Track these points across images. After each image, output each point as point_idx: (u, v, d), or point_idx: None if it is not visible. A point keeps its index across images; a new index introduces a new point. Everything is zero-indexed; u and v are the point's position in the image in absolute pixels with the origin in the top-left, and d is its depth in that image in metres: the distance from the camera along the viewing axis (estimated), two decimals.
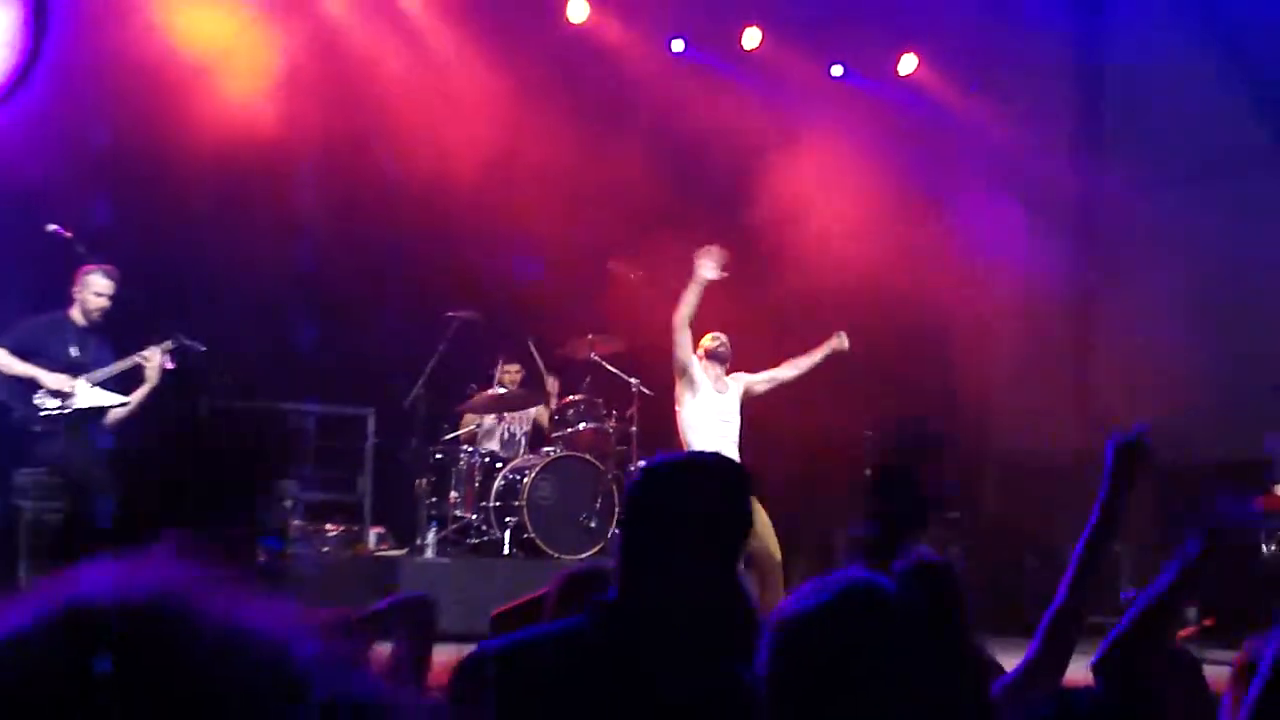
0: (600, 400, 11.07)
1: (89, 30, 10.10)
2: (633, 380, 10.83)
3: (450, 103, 11.25)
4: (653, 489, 2.99)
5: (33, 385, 8.76)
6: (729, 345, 9.76)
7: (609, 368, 11.02)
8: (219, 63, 10.78)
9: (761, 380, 9.93)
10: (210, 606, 0.95)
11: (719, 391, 9.68)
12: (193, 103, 10.61)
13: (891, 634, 2.16)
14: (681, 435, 9.63)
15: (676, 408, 9.67)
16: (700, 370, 9.61)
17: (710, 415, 9.64)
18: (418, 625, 4.03)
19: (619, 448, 10.95)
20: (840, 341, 10.05)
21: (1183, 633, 9.62)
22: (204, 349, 9.45)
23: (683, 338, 9.51)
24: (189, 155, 10.41)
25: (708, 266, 9.36)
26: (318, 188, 11.23)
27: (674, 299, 9.42)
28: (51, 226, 8.89)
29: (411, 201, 11.13)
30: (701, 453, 6.04)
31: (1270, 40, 11.64)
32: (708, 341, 9.73)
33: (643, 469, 3.14)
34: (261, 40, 11.00)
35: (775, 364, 10.04)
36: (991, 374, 12.79)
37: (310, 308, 11.19)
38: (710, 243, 9.46)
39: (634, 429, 10.82)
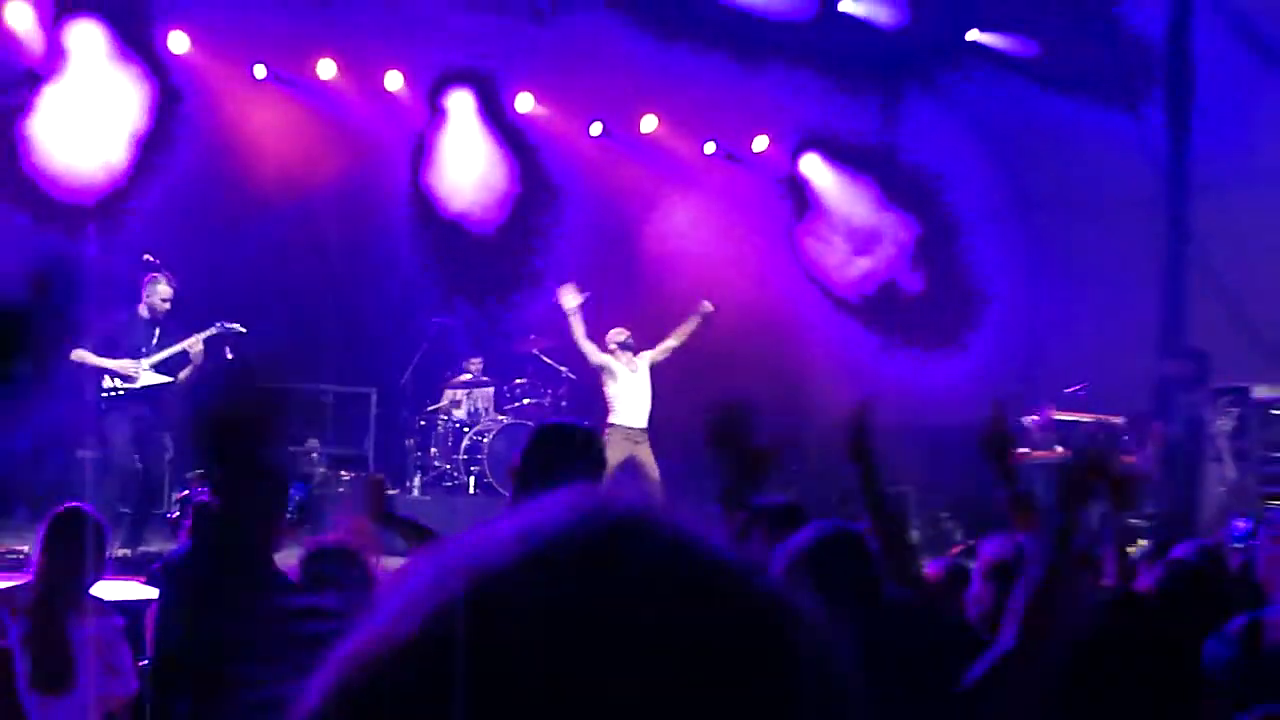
0: (540, 383, 15.10)
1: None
2: (562, 368, 14.99)
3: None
4: (528, 445, 4.56)
5: (101, 372, 11.25)
6: (630, 334, 13.76)
7: (545, 359, 15.12)
8: (264, 133, 15.07)
9: (659, 352, 13.83)
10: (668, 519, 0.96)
11: (632, 371, 13.70)
12: (246, 160, 14.87)
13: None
14: (610, 407, 13.70)
15: (605, 389, 13.81)
16: (613, 361, 13.72)
17: (628, 391, 13.68)
18: None
19: (553, 417, 15.04)
20: (705, 307, 13.91)
21: (954, 549, 13.64)
22: (243, 330, 11.90)
23: (586, 349, 13.62)
24: (243, 194, 14.53)
25: (568, 298, 13.57)
26: (340, 226, 15.27)
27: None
28: (146, 256, 12.31)
29: (404, 240, 15.45)
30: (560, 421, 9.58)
31: None
32: (617, 335, 13.75)
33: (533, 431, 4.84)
34: (286, 118, 15.29)
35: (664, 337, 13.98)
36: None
37: (336, 314, 15.30)
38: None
39: (564, 403, 14.87)
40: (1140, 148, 16.06)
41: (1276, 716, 3.69)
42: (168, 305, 11.55)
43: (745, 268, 16.33)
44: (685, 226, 16.69)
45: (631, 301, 14.92)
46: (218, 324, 11.90)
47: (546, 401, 14.99)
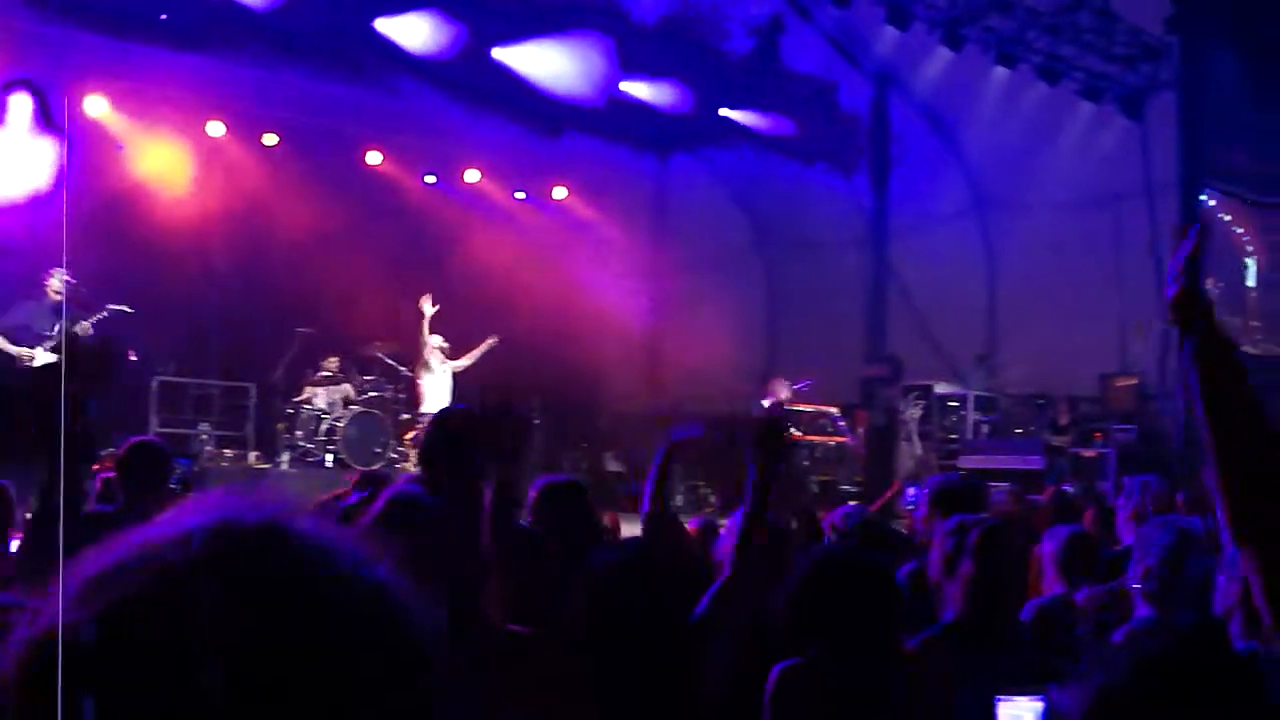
0: (384, 379, 18.03)
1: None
2: (402, 368, 18.10)
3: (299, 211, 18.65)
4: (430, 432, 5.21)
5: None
6: (445, 341, 17.34)
7: (388, 360, 18.20)
8: (164, 180, 18.17)
9: (460, 365, 17.33)
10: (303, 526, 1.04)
11: (444, 371, 17.23)
12: (147, 201, 17.82)
13: None
14: (421, 398, 17.20)
15: (418, 382, 17.32)
16: (434, 359, 17.25)
17: (438, 386, 17.19)
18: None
19: (394, 406, 17.92)
20: (493, 342, 17.39)
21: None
22: (129, 310, 13.57)
23: (425, 343, 17.20)
24: (144, 230, 17.18)
25: (425, 305, 17.05)
26: (227, 252, 18.28)
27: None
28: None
29: (277, 265, 18.55)
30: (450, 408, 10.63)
31: None
32: (437, 341, 17.27)
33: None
34: (187, 168, 18.36)
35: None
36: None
37: (221, 325, 18.45)
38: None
39: (403, 395, 17.99)
40: (852, 201, 20.02)
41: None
42: (59, 297, 13.20)
43: (546, 289, 19.89)
44: (503, 257, 20.21)
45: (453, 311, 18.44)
46: (106, 308, 13.76)
47: (388, 395, 17.97)
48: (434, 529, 3.77)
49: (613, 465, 20.13)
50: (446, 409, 5.95)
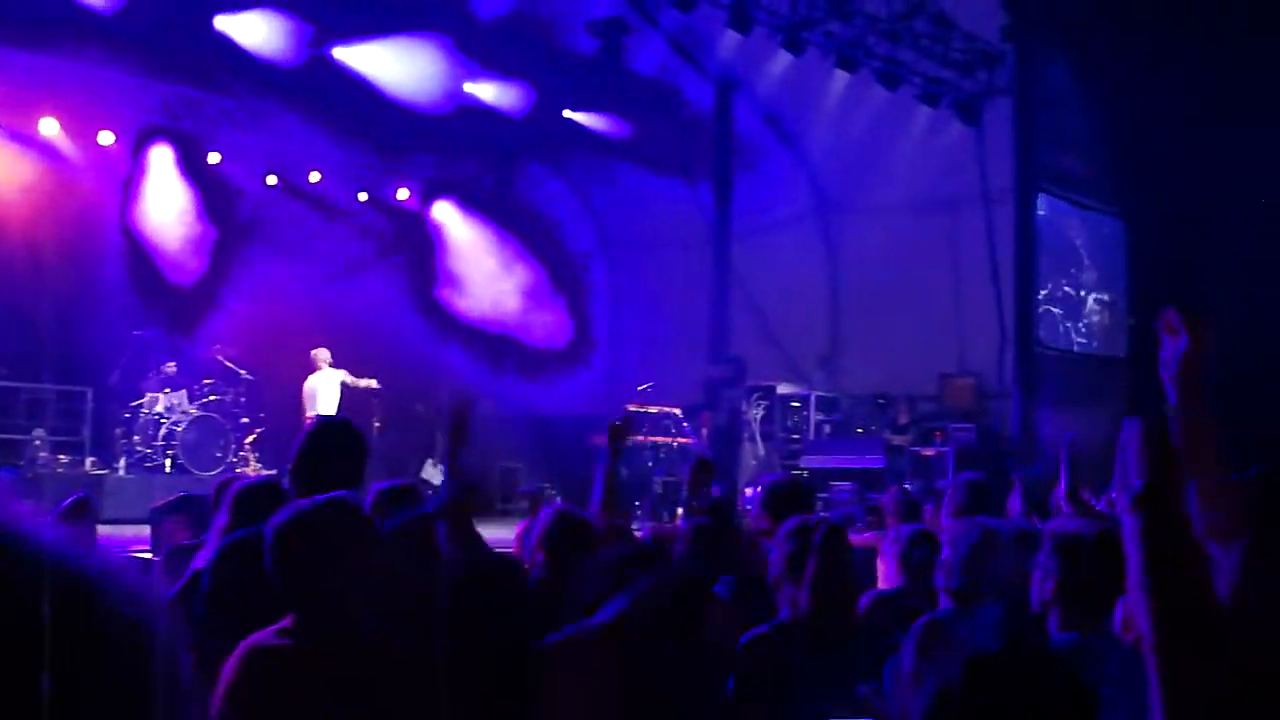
0: (223, 383, 17.81)
1: None
2: (242, 371, 18.02)
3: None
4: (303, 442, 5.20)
5: None
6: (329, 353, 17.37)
7: (228, 364, 18.03)
8: None
9: (347, 382, 17.43)
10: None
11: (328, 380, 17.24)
12: None
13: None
14: (312, 405, 16.99)
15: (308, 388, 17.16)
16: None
17: (327, 395, 17.23)
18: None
19: (234, 410, 17.82)
20: (373, 384, 17.64)
21: None
22: None
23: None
24: None
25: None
26: (61, 253, 17.80)
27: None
28: None
29: (114, 266, 18.38)
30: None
31: None
32: (322, 354, 17.34)
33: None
34: (19, 167, 17.95)
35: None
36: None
37: (57, 327, 17.79)
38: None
39: (244, 399, 17.93)
40: (695, 203, 20.24)
41: None
42: None
43: (388, 291, 19.88)
44: (345, 258, 20.19)
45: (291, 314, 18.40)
46: None
47: (228, 399, 17.84)
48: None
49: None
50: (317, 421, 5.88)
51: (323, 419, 6.61)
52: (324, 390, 17.25)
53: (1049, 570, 4.37)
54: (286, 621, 3.60)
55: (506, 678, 3.86)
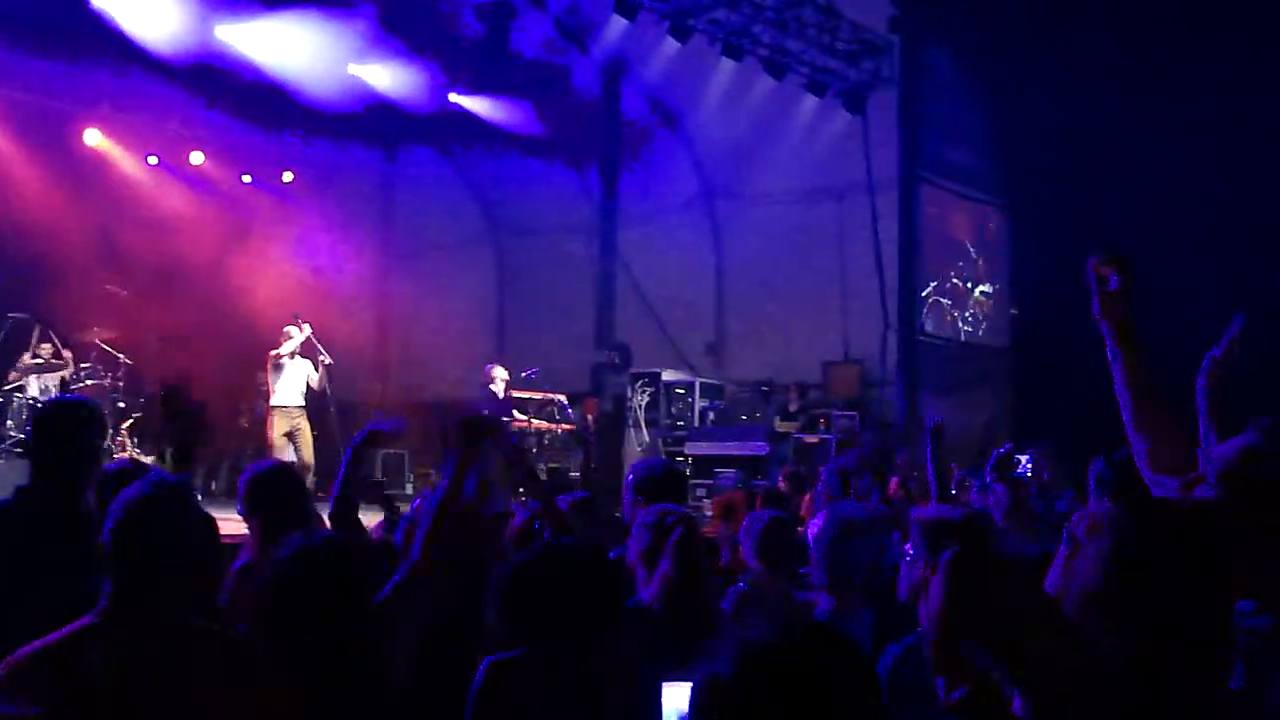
0: (101, 367, 17.51)
1: None
2: (120, 355, 17.61)
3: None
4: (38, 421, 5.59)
5: None
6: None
7: (106, 347, 17.68)
8: None
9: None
10: None
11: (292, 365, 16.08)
12: None
13: None
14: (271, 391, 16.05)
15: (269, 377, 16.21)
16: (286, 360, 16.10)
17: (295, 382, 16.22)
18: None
19: (112, 395, 17.46)
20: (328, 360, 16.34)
21: None
22: None
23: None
24: None
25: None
26: None
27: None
28: None
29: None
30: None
31: None
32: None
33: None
34: None
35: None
36: None
37: None
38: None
39: (122, 383, 17.54)
40: (582, 189, 20.23)
41: None
42: None
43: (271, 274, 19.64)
44: (227, 241, 19.94)
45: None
46: None
47: (107, 382, 17.42)
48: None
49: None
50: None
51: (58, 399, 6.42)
52: (296, 366, 16.20)
53: (918, 557, 4.37)
54: (104, 603, 3.56)
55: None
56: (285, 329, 16.20)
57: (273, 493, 5.69)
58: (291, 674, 3.61)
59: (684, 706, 2.07)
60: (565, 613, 4.18)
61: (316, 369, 15.99)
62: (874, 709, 2.16)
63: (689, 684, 2.04)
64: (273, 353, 15.98)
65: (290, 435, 15.72)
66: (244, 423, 18.55)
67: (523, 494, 7.29)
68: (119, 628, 3.47)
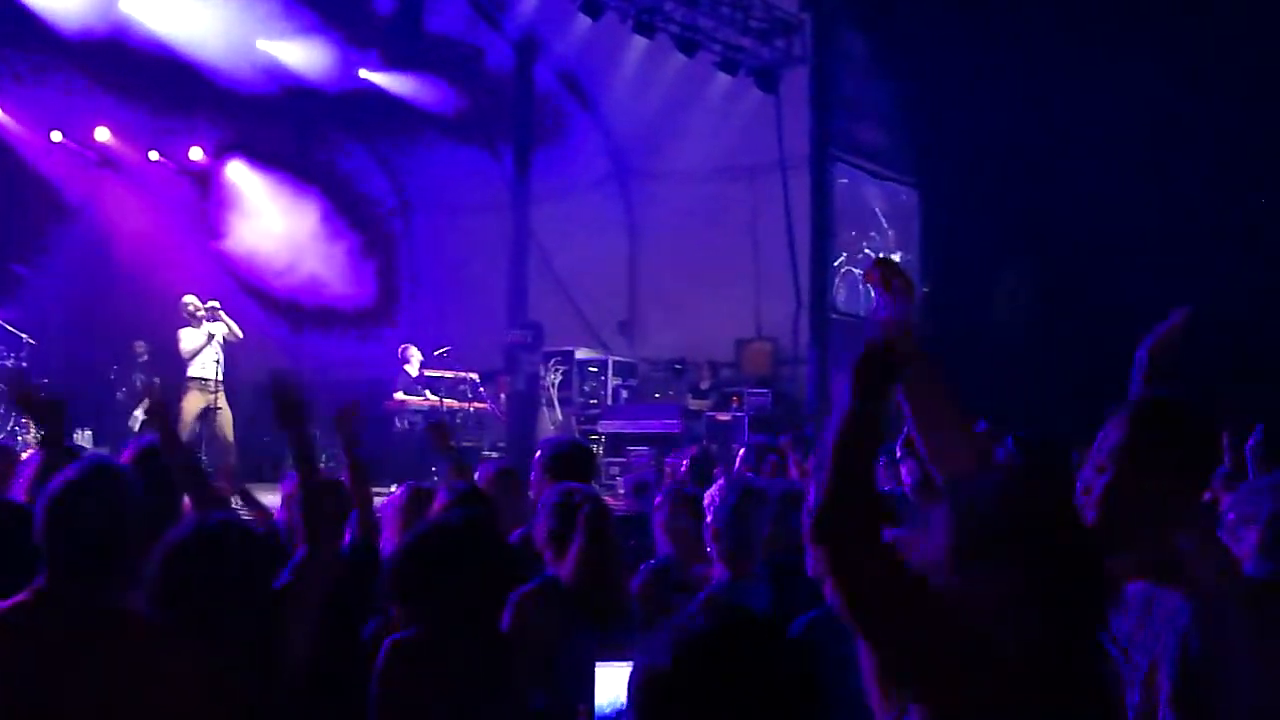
0: (3, 347, 17.02)
1: None
2: (23, 335, 17.12)
3: None
4: None
5: None
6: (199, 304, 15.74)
7: (8, 327, 16.99)
8: None
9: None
10: None
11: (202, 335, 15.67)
12: None
13: None
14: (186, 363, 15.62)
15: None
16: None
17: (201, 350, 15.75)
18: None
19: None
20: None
21: None
22: None
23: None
24: None
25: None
26: None
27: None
28: None
29: None
30: None
31: None
32: (190, 304, 15.78)
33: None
34: None
35: None
36: None
37: None
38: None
39: (25, 364, 16.90)
40: (494, 166, 20.18)
41: None
42: None
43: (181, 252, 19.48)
44: (134, 219, 19.69)
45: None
46: None
47: (10, 362, 17.04)
48: None
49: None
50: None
51: None
52: (197, 343, 15.77)
53: None
54: (39, 582, 3.61)
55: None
56: (188, 304, 15.89)
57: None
58: (187, 657, 3.60)
59: (619, 689, 2.06)
60: (452, 589, 4.18)
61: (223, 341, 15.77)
62: (810, 696, 2.16)
63: (623, 665, 2.05)
64: (181, 335, 15.71)
65: (206, 413, 15.38)
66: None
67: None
68: (46, 609, 3.49)
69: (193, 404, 15.25)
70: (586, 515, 5.21)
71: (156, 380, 15.43)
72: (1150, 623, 2.92)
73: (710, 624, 2.18)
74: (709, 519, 5.79)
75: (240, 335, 15.85)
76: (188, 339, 15.63)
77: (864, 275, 3.50)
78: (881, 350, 2.69)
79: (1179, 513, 3.04)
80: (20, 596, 3.54)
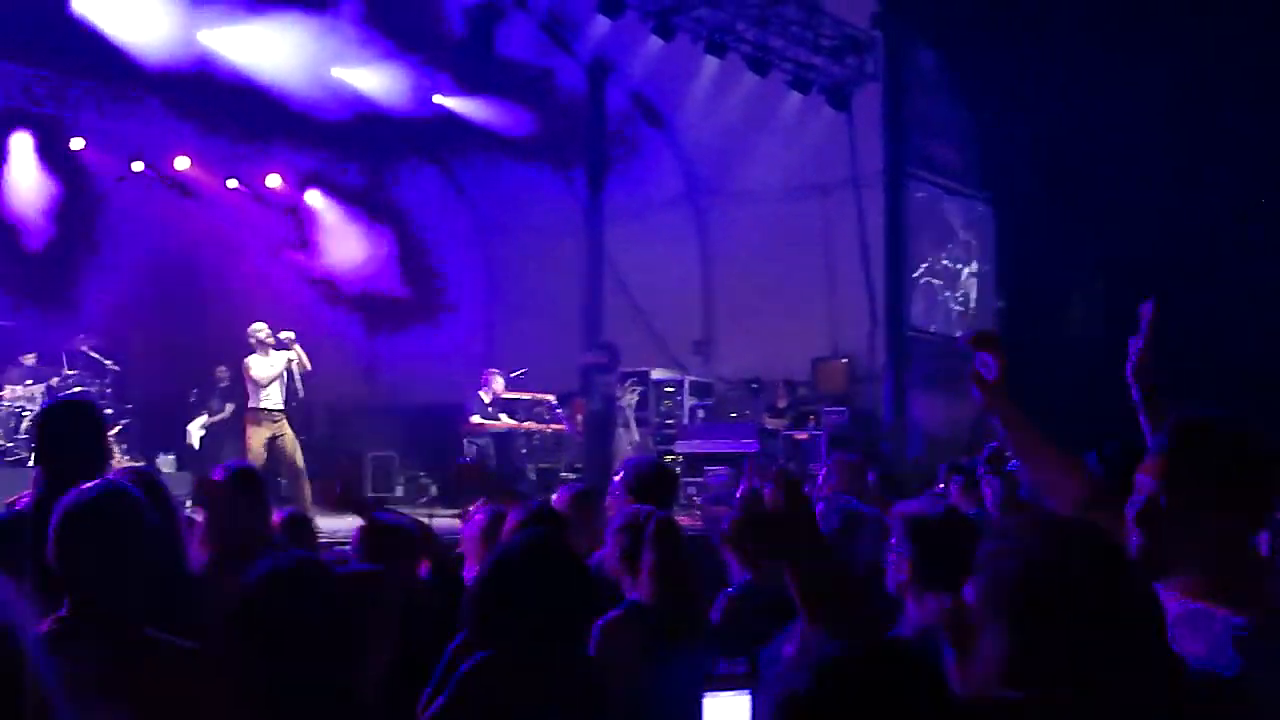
0: (89, 374, 17.30)
1: None
2: (108, 362, 17.49)
3: None
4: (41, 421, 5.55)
5: None
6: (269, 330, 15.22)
7: (92, 354, 17.48)
8: None
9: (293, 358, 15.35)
10: None
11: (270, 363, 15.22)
12: None
13: None
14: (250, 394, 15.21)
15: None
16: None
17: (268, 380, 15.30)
18: None
19: (99, 402, 17.46)
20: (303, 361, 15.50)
21: None
22: None
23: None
24: None
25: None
26: None
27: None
28: None
29: None
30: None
31: None
32: (258, 331, 15.20)
33: None
34: None
35: None
36: None
37: None
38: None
39: (109, 390, 17.34)
40: (568, 188, 20.24)
41: None
42: None
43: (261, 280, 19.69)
44: (216, 246, 19.94)
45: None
46: None
47: (95, 390, 17.22)
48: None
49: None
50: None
51: (60, 399, 6.55)
52: (269, 372, 15.40)
53: (902, 553, 4.41)
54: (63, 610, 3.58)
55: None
56: (257, 331, 15.44)
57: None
58: (266, 698, 3.46)
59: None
60: (520, 609, 4.13)
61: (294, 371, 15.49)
62: None
63: (736, 695, 2.03)
64: (250, 363, 15.35)
65: (273, 441, 15.11)
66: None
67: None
68: (72, 636, 3.44)
69: (259, 436, 14.99)
70: (653, 531, 5.14)
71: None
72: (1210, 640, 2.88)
73: (850, 649, 2.16)
74: None
75: (309, 367, 15.40)
76: (258, 366, 15.27)
77: (968, 343, 3.70)
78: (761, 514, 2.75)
79: (1226, 533, 3.00)
80: (45, 625, 3.47)
